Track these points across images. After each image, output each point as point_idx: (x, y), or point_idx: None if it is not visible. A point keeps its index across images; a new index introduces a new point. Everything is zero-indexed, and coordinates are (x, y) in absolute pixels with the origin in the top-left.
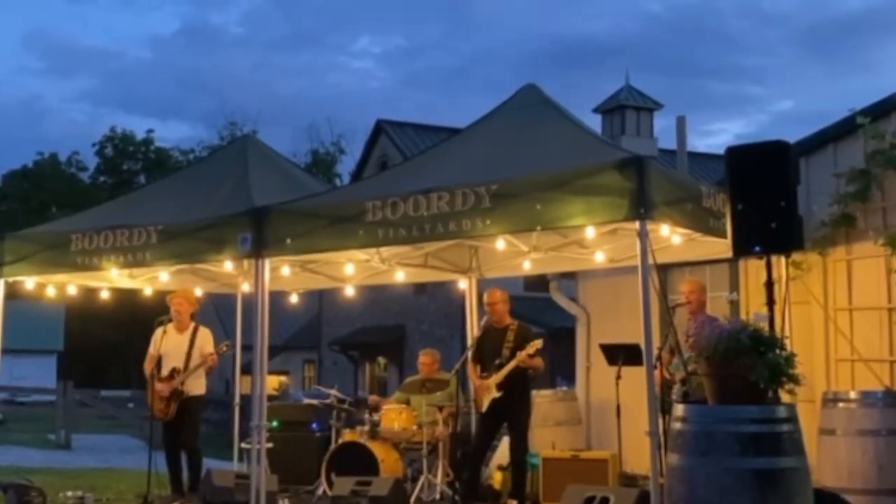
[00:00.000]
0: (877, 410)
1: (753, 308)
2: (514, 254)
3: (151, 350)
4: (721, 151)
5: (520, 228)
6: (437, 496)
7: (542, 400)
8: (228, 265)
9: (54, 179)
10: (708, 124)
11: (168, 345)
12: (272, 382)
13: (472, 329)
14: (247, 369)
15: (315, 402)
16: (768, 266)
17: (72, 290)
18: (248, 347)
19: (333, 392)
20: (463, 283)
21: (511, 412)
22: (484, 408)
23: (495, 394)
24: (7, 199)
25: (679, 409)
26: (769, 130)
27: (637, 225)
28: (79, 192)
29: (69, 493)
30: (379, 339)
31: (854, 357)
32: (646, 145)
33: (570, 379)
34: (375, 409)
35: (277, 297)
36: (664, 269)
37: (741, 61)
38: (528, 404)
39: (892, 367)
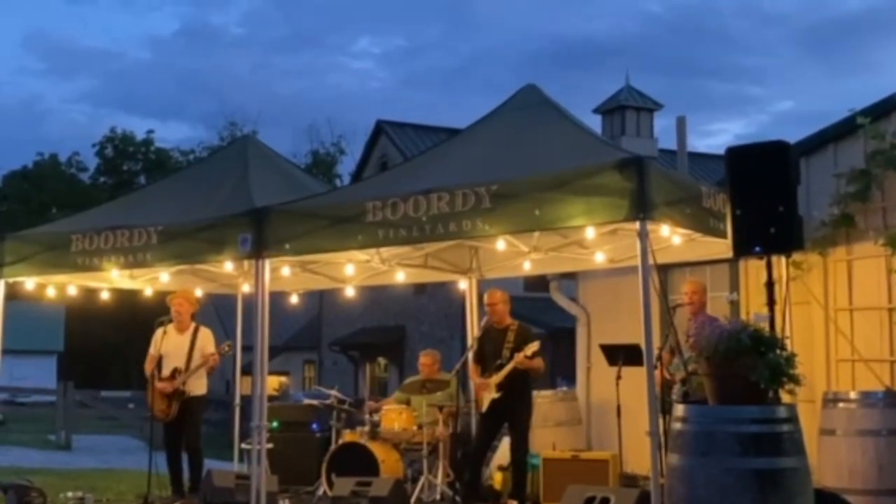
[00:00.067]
0: (877, 411)
1: (754, 308)
2: (514, 254)
3: (152, 350)
4: (721, 152)
5: (520, 229)
6: (438, 497)
7: (543, 400)
8: (229, 266)
9: (54, 180)
10: (708, 124)
11: (169, 345)
12: (272, 383)
13: (473, 329)
14: (247, 370)
15: (315, 402)
16: (768, 266)
17: (72, 291)
18: (248, 348)
19: (334, 392)
20: (463, 284)
21: (511, 412)
22: (484, 408)
23: (495, 394)
24: (7, 200)
25: (679, 410)
26: (769, 131)
27: (637, 225)
28: (79, 193)
29: (69, 494)
30: (379, 339)
31: (854, 357)
32: (646, 146)
33: (570, 379)
34: (375, 412)
35: (278, 298)
36: (664, 270)
37: (741, 61)
38: (529, 405)
39: (892, 368)
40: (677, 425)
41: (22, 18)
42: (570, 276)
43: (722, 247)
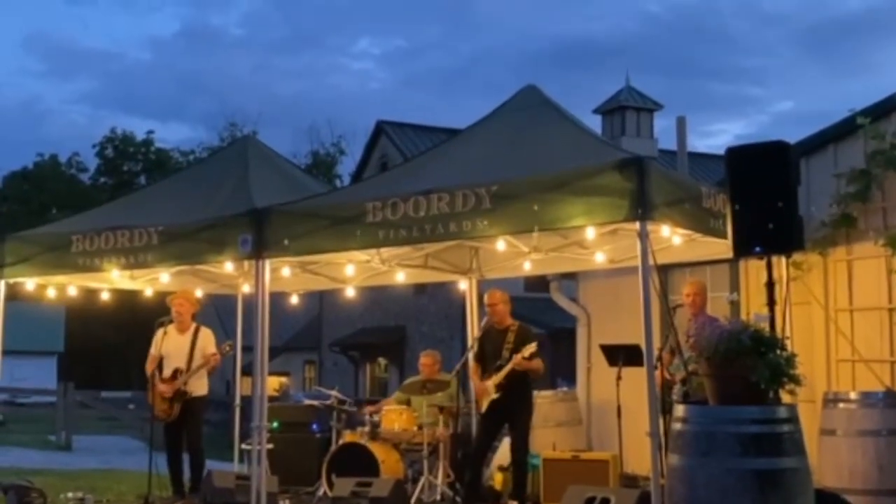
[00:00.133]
0: (877, 411)
1: (754, 308)
2: (514, 254)
3: (153, 351)
4: (721, 152)
5: (520, 229)
6: (438, 497)
7: (543, 401)
8: (229, 266)
9: (55, 181)
10: (708, 125)
11: (169, 346)
12: (273, 383)
13: (473, 330)
14: (247, 370)
15: (315, 403)
16: (769, 266)
17: (72, 292)
18: (248, 348)
19: (334, 393)
20: (463, 284)
21: (511, 413)
22: (483, 409)
23: (494, 395)
24: (7, 201)
25: (680, 410)
26: (769, 131)
27: (637, 225)
28: (79, 194)
29: (70, 495)
30: (379, 339)
31: (854, 357)
32: (646, 146)
33: (570, 380)
34: (373, 413)
35: (278, 298)
36: (664, 270)
37: (741, 62)
38: (529, 405)
39: (892, 368)
40: (678, 426)
41: (22, 19)
42: (571, 277)
43: (722, 247)
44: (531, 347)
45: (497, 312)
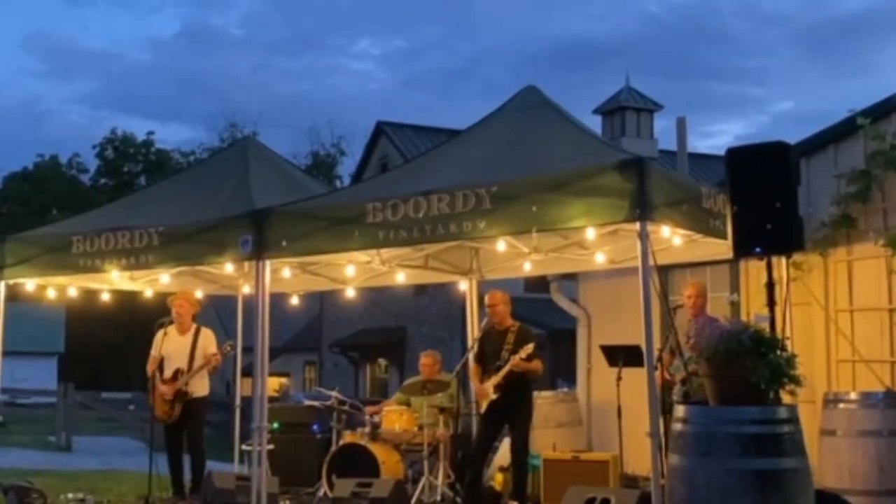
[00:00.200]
0: (877, 411)
1: (754, 309)
2: (514, 255)
3: (153, 352)
4: (721, 152)
5: (520, 230)
6: (438, 498)
7: (543, 401)
8: (229, 267)
9: (55, 181)
10: (708, 125)
11: (170, 346)
12: (273, 384)
13: (473, 330)
14: (247, 371)
15: (316, 403)
16: (769, 267)
17: (72, 293)
18: (248, 349)
19: (334, 394)
20: (463, 285)
21: (511, 414)
22: (482, 409)
23: (492, 396)
24: (7, 202)
25: (680, 410)
26: (769, 131)
27: (637, 226)
28: (79, 194)
29: (70, 495)
30: (379, 340)
31: (855, 358)
32: (646, 146)
33: (570, 380)
34: (374, 414)
35: (278, 299)
36: (665, 270)
37: (741, 62)
38: (529, 406)
39: (892, 368)
40: (678, 426)
41: (22, 20)
42: (571, 277)
43: (722, 247)
44: (528, 348)
45: (497, 313)
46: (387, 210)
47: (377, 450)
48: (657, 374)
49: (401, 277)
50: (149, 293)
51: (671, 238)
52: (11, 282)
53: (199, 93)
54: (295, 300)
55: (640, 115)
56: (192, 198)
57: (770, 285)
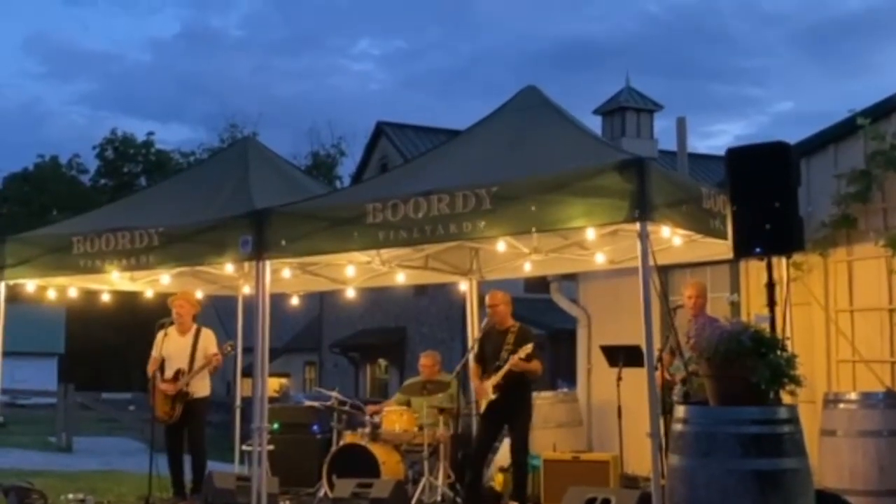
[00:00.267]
0: (878, 411)
1: (754, 309)
2: (514, 255)
3: (154, 353)
4: (721, 153)
5: (520, 230)
6: (439, 498)
7: (543, 401)
8: (229, 267)
9: (55, 182)
10: (708, 125)
11: (170, 347)
12: (273, 384)
13: (473, 331)
14: (248, 371)
15: (316, 404)
16: (769, 267)
17: (73, 293)
18: (248, 350)
19: (334, 394)
20: (463, 285)
21: (510, 414)
22: (482, 409)
23: (492, 396)
24: (8, 202)
25: (680, 411)
26: (769, 131)
27: (637, 226)
28: (80, 195)
29: (70, 496)
30: (380, 341)
31: (855, 358)
32: (646, 147)
33: (570, 380)
34: (374, 413)
35: (278, 300)
36: (665, 271)
37: (741, 62)
38: (528, 406)
39: (892, 368)
40: (678, 426)
41: (22, 21)
42: (571, 278)
43: (722, 248)
44: (527, 348)
45: (498, 313)
46: (387, 210)
47: (377, 450)
48: (657, 374)
49: (401, 278)
50: (149, 294)
51: (671, 238)
52: (12, 282)
53: (199, 93)
54: (295, 300)
55: (640, 115)
56: (193, 198)
57: (770, 285)
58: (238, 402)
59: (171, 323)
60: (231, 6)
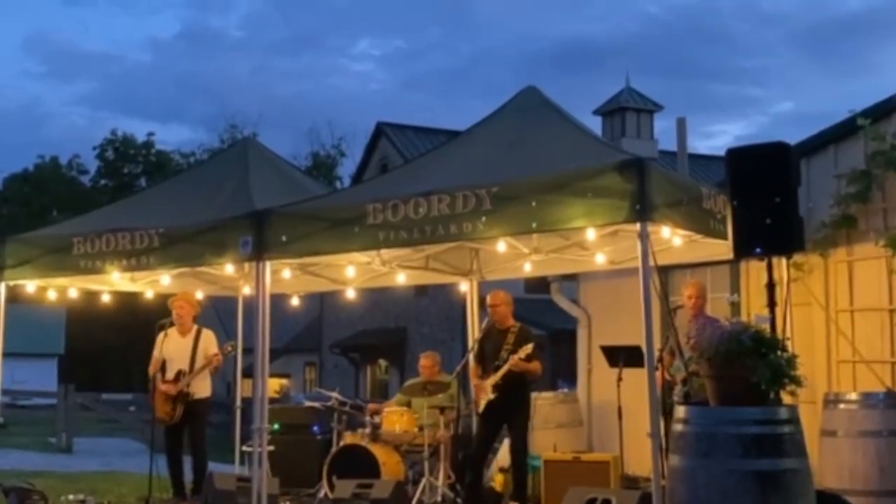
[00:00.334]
0: (878, 412)
1: (755, 310)
2: (514, 256)
3: (155, 354)
4: (722, 153)
5: (520, 230)
6: (439, 499)
7: (544, 402)
8: (229, 268)
9: (55, 183)
10: (708, 126)
11: (171, 348)
12: (273, 385)
13: (473, 331)
14: (248, 372)
15: (316, 404)
16: (769, 267)
17: (73, 294)
18: (249, 350)
19: (335, 395)
20: (464, 286)
21: (508, 414)
22: (481, 409)
23: (491, 395)
24: (8, 203)
25: (680, 411)
26: (769, 132)
27: (638, 227)
28: (80, 196)
29: (70, 497)
30: (380, 341)
31: (855, 358)
32: (646, 147)
33: (571, 381)
34: (376, 414)
35: (278, 300)
36: (665, 271)
37: (741, 62)
38: (526, 406)
39: (893, 369)
40: (678, 427)
41: (22, 22)
42: (571, 278)
43: (723, 248)
44: (528, 348)
45: (498, 313)
46: (387, 211)
47: (378, 451)
48: (658, 374)
49: (401, 278)
50: (149, 294)
51: (671, 239)
52: (12, 283)
53: (199, 94)
54: (295, 301)
55: (641, 115)
56: (193, 199)
57: (770, 286)
58: (238, 402)
59: (172, 324)
60: (231, 6)
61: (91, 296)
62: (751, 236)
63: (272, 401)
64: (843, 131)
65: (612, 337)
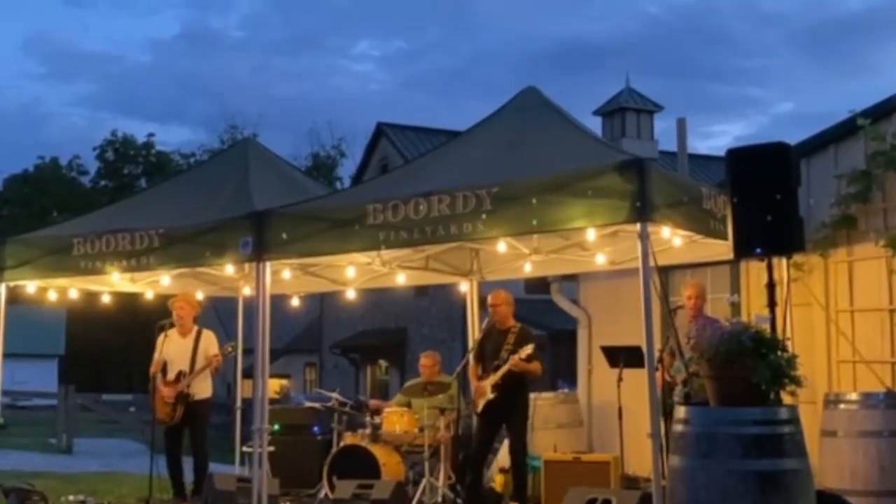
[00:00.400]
0: (878, 412)
1: (755, 310)
2: (515, 256)
3: (156, 355)
4: (722, 153)
5: (520, 231)
6: (439, 499)
7: (544, 402)
8: (230, 269)
9: (55, 184)
10: (708, 126)
11: (171, 349)
12: (273, 386)
13: (474, 332)
14: (248, 373)
15: (316, 405)
16: (769, 268)
17: (73, 295)
18: (249, 351)
19: (335, 395)
20: (464, 286)
21: (507, 414)
22: (480, 409)
23: (490, 395)
24: (8, 204)
25: (681, 411)
26: (769, 132)
27: (638, 227)
28: (80, 197)
29: (71, 497)
30: (380, 341)
31: (855, 358)
32: (646, 147)
33: (571, 381)
34: (377, 412)
35: (278, 301)
36: (665, 271)
37: (741, 63)
38: (525, 406)
39: (893, 369)
40: (679, 427)
41: (22, 22)
42: (571, 278)
43: (723, 248)
44: (528, 349)
45: (499, 313)
46: (387, 211)
47: (378, 451)
48: (658, 375)
49: (401, 279)
50: (149, 295)
51: (671, 239)
52: (12, 284)
53: (199, 94)
54: (295, 302)
55: (641, 115)
56: (193, 199)
57: (770, 286)
58: (238, 403)
59: (172, 325)
60: (231, 7)
61: (91, 296)
62: (751, 236)
63: (272, 401)
64: (843, 131)
65: (612, 337)
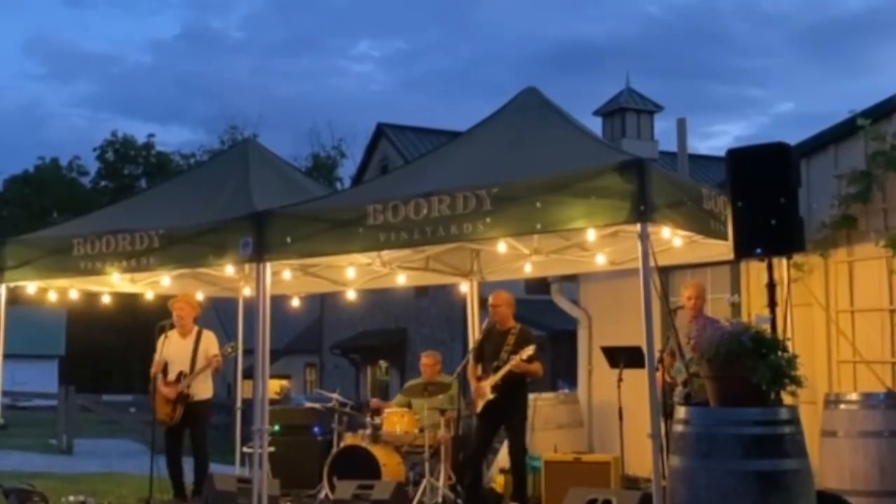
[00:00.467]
0: (878, 412)
1: (755, 310)
2: (515, 256)
3: (157, 355)
4: (722, 153)
5: (521, 231)
6: (440, 500)
7: (544, 403)
8: (230, 269)
9: (55, 184)
10: (708, 126)
11: (171, 349)
12: (274, 386)
13: (474, 332)
14: (248, 373)
15: (317, 405)
16: (769, 268)
17: (73, 295)
18: (249, 351)
19: (335, 396)
20: (464, 287)
21: (506, 415)
22: (479, 409)
23: (489, 396)
24: (8, 205)
25: (681, 412)
26: (770, 132)
27: (638, 227)
28: (80, 197)
29: (71, 498)
30: (380, 342)
31: (856, 359)
32: (646, 148)
33: (571, 382)
34: (377, 412)
35: (279, 301)
36: (665, 272)
37: (741, 63)
38: (524, 407)
39: (893, 369)
40: (679, 427)
41: (22, 23)
42: (572, 279)
43: (723, 248)
44: (529, 350)
45: (499, 314)
46: (387, 212)
47: (378, 452)
48: (658, 375)
49: (401, 279)
50: (150, 296)
51: (672, 239)
52: (12, 285)
53: (199, 95)
54: (296, 302)
55: (641, 116)
56: (193, 200)
57: (771, 286)
58: (239, 403)
59: (172, 325)
60: (231, 7)
61: (91, 297)
62: (751, 237)
63: (273, 402)
64: (844, 131)
65: (612, 338)
